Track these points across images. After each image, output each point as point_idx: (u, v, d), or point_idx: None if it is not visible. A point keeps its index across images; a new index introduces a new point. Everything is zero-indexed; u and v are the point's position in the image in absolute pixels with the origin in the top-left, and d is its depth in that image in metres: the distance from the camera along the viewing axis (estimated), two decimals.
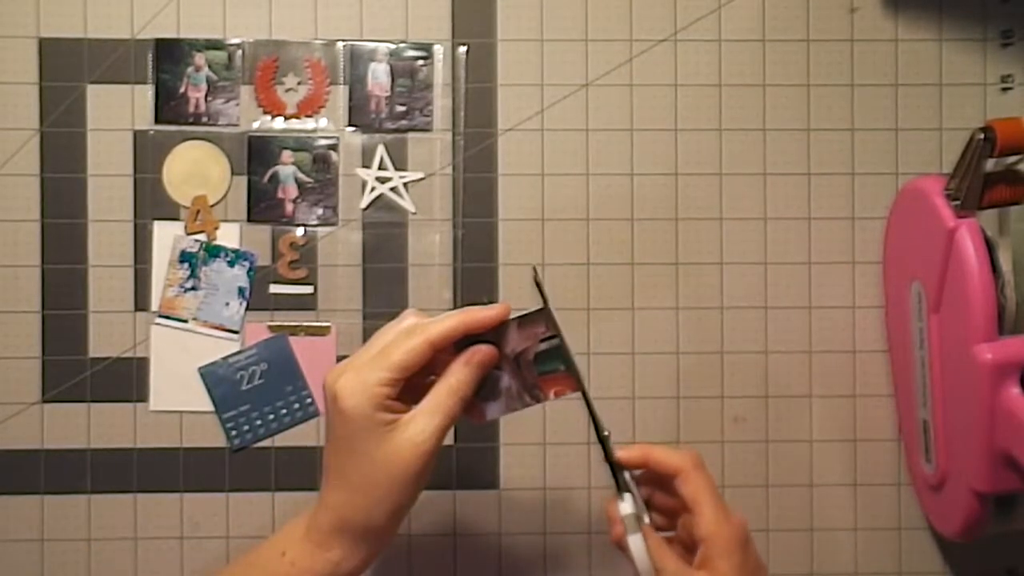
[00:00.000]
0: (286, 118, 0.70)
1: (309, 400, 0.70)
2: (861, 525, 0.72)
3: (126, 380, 0.70)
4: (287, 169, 0.70)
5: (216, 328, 0.70)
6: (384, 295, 0.70)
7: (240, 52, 0.70)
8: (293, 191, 0.70)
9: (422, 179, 0.70)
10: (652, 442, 0.59)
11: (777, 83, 0.71)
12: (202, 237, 0.70)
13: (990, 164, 0.61)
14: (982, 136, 0.60)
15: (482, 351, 0.57)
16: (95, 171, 0.70)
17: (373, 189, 0.70)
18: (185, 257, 0.70)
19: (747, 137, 0.71)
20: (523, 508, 0.71)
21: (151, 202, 0.70)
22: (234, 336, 0.70)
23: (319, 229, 0.70)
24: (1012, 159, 0.62)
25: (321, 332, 0.70)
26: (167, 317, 0.70)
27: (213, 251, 0.69)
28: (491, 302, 0.58)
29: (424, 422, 0.55)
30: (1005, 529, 0.65)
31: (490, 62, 0.71)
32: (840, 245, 0.72)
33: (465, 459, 0.71)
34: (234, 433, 0.70)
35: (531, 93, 0.71)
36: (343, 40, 0.70)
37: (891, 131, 0.72)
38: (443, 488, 0.71)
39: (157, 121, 0.70)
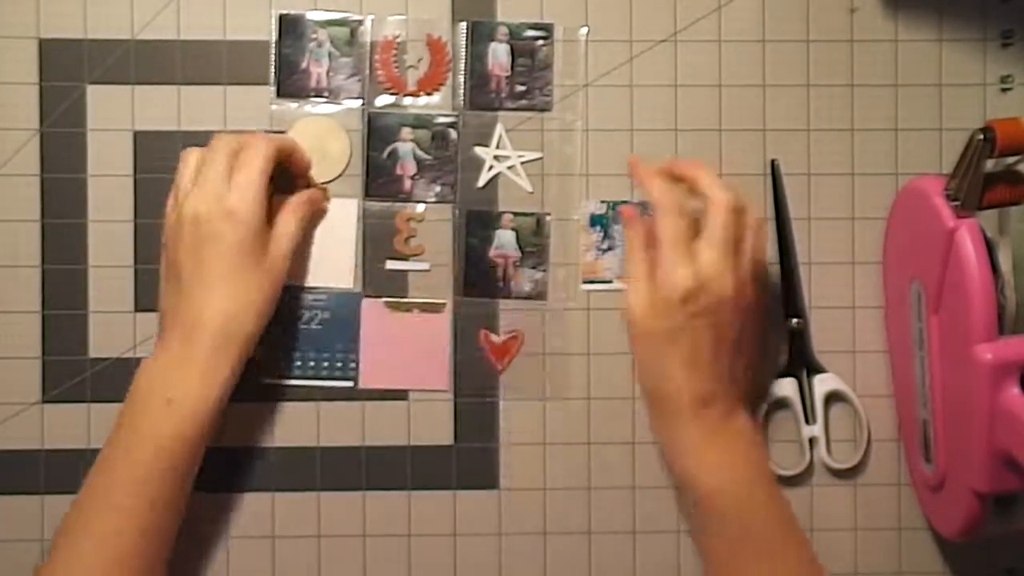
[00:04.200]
0: (406, 95, 0.70)
1: (352, 364, 0.70)
2: (861, 525, 0.72)
3: (126, 380, 0.69)
4: (406, 146, 0.70)
5: None
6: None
7: (361, 28, 0.70)
8: (412, 168, 0.70)
9: (539, 159, 0.70)
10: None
11: (777, 83, 0.71)
12: None
13: (990, 164, 0.61)
14: (982, 136, 0.60)
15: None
16: (95, 171, 0.70)
17: (491, 168, 0.70)
18: None
19: (747, 137, 0.71)
20: (523, 508, 0.71)
21: None
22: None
23: (437, 206, 0.70)
24: (1012, 159, 0.62)
25: (436, 309, 0.70)
26: None
27: None
28: None
29: (288, 218, 0.67)
30: (1005, 529, 0.65)
31: None
32: (840, 245, 0.72)
33: (465, 459, 0.71)
34: (269, 362, 0.70)
35: None
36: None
37: (891, 131, 0.72)
38: (443, 488, 0.71)
39: (279, 95, 0.70)
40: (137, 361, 0.69)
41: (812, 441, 0.71)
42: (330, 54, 0.70)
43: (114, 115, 0.70)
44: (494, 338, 0.70)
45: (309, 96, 0.70)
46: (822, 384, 0.71)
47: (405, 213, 0.70)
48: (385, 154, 0.70)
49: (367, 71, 0.70)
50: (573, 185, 0.71)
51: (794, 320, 0.71)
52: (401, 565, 0.70)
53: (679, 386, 0.63)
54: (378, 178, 0.70)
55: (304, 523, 0.70)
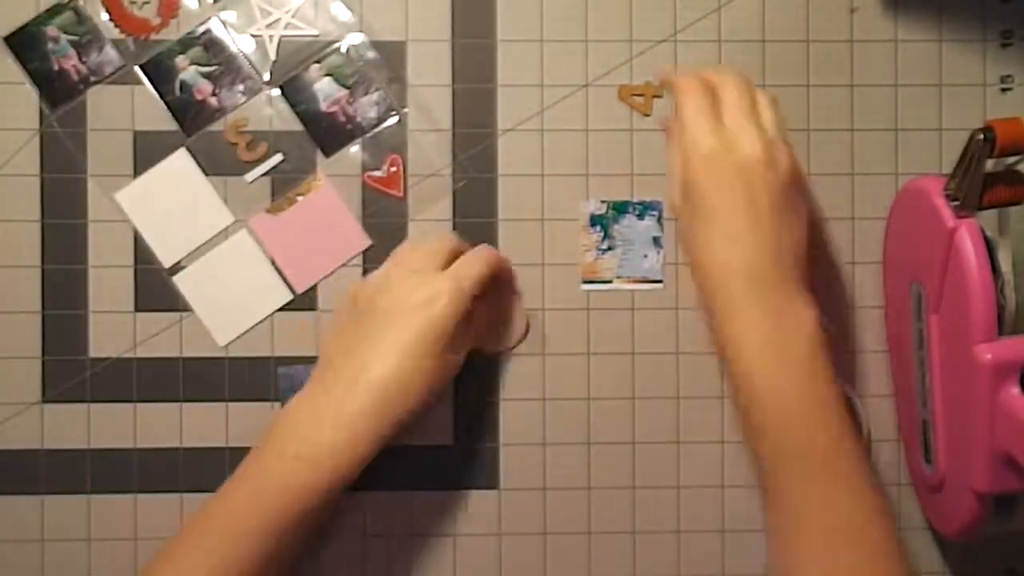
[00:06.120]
0: (156, 30, 0.70)
1: None
2: None
3: (126, 380, 0.70)
4: (188, 72, 0.69)
5: None
6: None
7: (81, 3, 0.69)
8: (207, 87, 0.70)
9: None
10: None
11: (777, 83, 0.71)
12: None
13: (990, 164, 0.61)
14: (982, 136, 0.60)
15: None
16: (95, 171, 0.70)
17: (272, 37, 0.69)
18: None
19: None
20: (523, 508, 0.71)
21: None
22: None
23: (252, 104, 0.70)
24: (1012, 159, 0.62)
25: (313, 187, 0.70)
26: None
27: None
28: None
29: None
30: (1005, 529, 0.65)
31: (490, 62, 0.71)
32: (840, 245, 0.72)
33: (465, 459, 0.71)
34: None
35: (531, 93, 0.71)
36: None
37: (891, 131, 0.72)
38: (443, 488, 0.71)
39: (50, 108, 0.69)
40: (137, 361, 0.70)
41: None
42: (71, 42, 0.69)
43: (114, 115, 0.70)
44: (377, 174, 0.70)
45: (81, 89, 0.69)
46: None
47: (232, 125, 0.70)
48: (177, 90, 0.70)
49: (108, 35, 0.69)
50: (574, 185, 0.71)
51: None
52: (402, 565, 0.70)
53: (716, 257, 0.61)
54: (187, 115, 0.70)
55: None
